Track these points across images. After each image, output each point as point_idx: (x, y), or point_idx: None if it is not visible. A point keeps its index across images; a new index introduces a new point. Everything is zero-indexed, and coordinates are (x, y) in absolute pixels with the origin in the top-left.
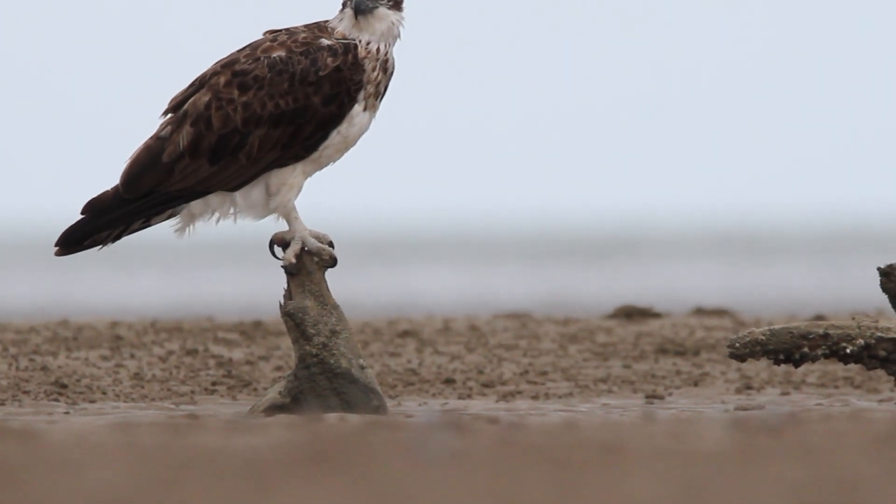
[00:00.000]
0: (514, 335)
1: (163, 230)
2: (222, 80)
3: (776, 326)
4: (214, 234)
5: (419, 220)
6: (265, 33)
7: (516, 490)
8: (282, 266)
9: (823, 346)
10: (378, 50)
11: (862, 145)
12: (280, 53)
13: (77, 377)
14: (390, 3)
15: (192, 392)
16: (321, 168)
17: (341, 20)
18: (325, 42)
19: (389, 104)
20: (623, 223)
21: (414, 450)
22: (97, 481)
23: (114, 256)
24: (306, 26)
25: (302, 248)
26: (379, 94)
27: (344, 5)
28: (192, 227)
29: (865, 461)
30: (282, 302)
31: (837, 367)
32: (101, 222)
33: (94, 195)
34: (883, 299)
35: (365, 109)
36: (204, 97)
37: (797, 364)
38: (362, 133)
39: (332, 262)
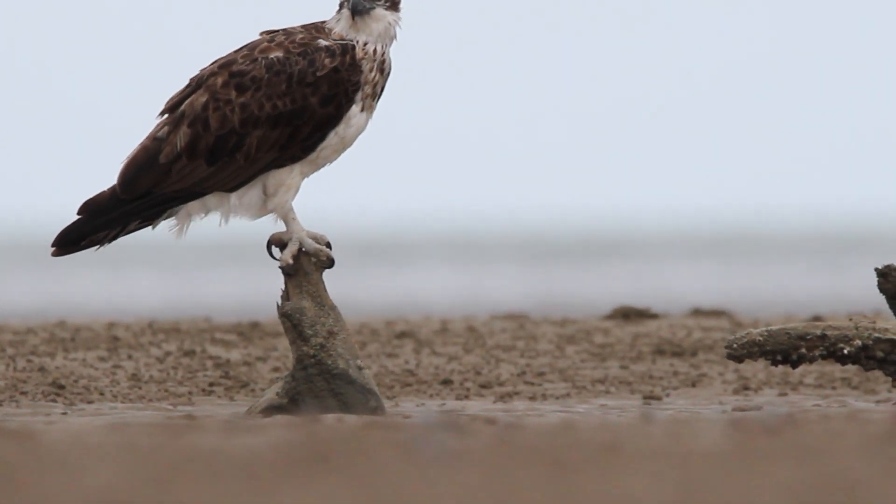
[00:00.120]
0: (511, 336)
1: (160, 231)
2: (220, 80)
3: (774, 327)
4: (212, 235)
5: (416, 221)
6: (262, 34)
7: (514, 491)
8: (279, 267)
9: (821, 347)
10: (375, 51)
11: (860, 146)
12: (278, 54)
13: (74, 378)
14: (387, 4)
15: (190, 393)
16: (318, 169)
17: (338, 21)
18: (322, 43)
19: (386, 105)
20: (620, 224)
21: (412, 450)
22: (95, 482)
23: (111, 257)
24: (303, 27)
25: (299, 249)
26: (376, 95)
27: (341, 6)
28: (189, 227)
29: (863, 462)
30: (279, 303)
31: (835, 368)
32: (98, 223)
33: (91, 195)
34: (880, 300)
35: (362, 110)
36: (201, 98)
37: (795, 365)
38: (359, 134)
39: (330, 263)
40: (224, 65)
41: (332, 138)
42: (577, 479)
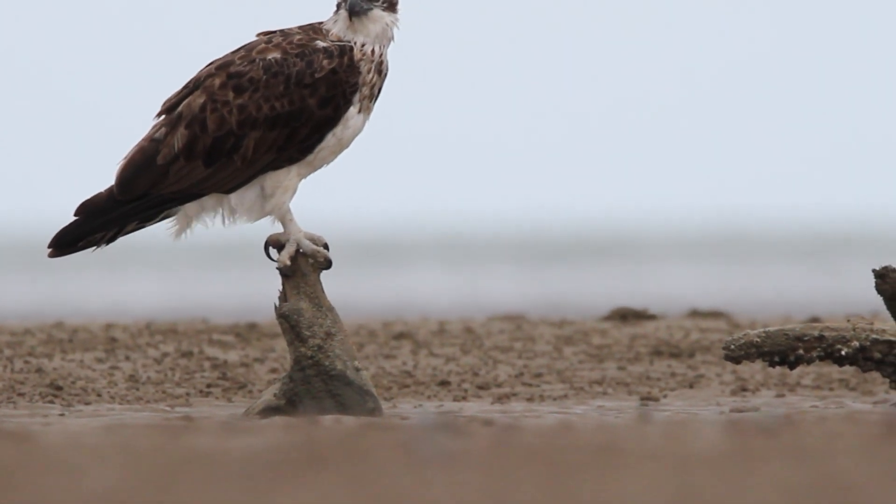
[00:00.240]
0: (509, 337)
1: (157, 232)
2: (217, 82)
3: (771, 328)
4: (209, 236)
5: (414, 222)
6: (259, 35)
7: (511, 492)
8: (277, 268)
9: (818, 349)
10: (373, 52)
11: (857, 148)
12: (275, 55)
13: (72, 379)
14: (385, 5)
15: (187, 394)
16: (316, 170)
17: (336, 22)
18: (320, 44)
19: (383, 106)
20: (618, 225)
21: (409, 452)
22: (92, 483)
23: (108, 258)
24: (301, 28)
25: (297, 251)
26: (373, 96)
27: (338, 7)
28: (187, 229)
29: (860, 463)
30: (277, 304)
31: (832, 370)
32: (95, 224)
33: (88, 197)
34: (878, 301)
35: (359, 112)
36: (199, 99)
37: (792, 366)
38: (356, 135)
39: (327, 264)
40: (222, 66)
41: (330, 140)
42: (574, 481)
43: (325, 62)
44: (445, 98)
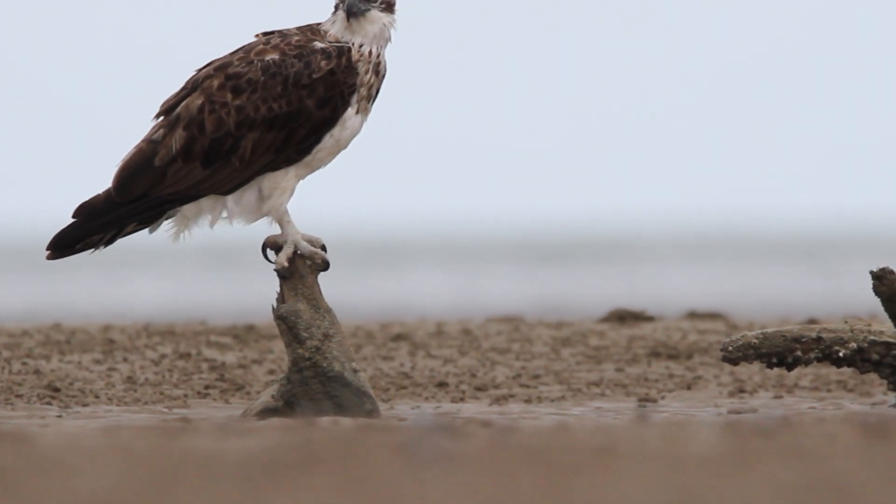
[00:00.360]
0: (506, 339)
1: (156, 234)
2: (215, 83)
3: (769, 330)
4: (207, 238)
5: (412, 224)
6: (257, 36)
7: (509, 493)
8: (274, 269)
9: (816, 350)
10: (371, 53)
11: (855, 149)
12: (273, 56)
13: (70, 381)
14: (382, 6)
15: (185, 396)
16: (313, 171)
17: (333, 23)
18: (318, 45)
19: (381, 107)
20: (616, 226)
21: (407, 453)
22: (90, 485)
23: (106, 260)
24: (299, 29)
25: (294, 252)
26: (371, 97)
27: (336, 8)
28: (186, 230)
29: (858, 464)
30: (274, 305)
31: (830, 371)
32: (94, 226)
33: (86, 199)
34: (876, 303)
35: (357, 112)
36: (197, 100)
37: (790, 367)
38: (354, 136)
39: (325, 265)
40: (220, 67)
41: (328, 141)
42: (572, 482)
43: (322, 63)
44: (443, 99)
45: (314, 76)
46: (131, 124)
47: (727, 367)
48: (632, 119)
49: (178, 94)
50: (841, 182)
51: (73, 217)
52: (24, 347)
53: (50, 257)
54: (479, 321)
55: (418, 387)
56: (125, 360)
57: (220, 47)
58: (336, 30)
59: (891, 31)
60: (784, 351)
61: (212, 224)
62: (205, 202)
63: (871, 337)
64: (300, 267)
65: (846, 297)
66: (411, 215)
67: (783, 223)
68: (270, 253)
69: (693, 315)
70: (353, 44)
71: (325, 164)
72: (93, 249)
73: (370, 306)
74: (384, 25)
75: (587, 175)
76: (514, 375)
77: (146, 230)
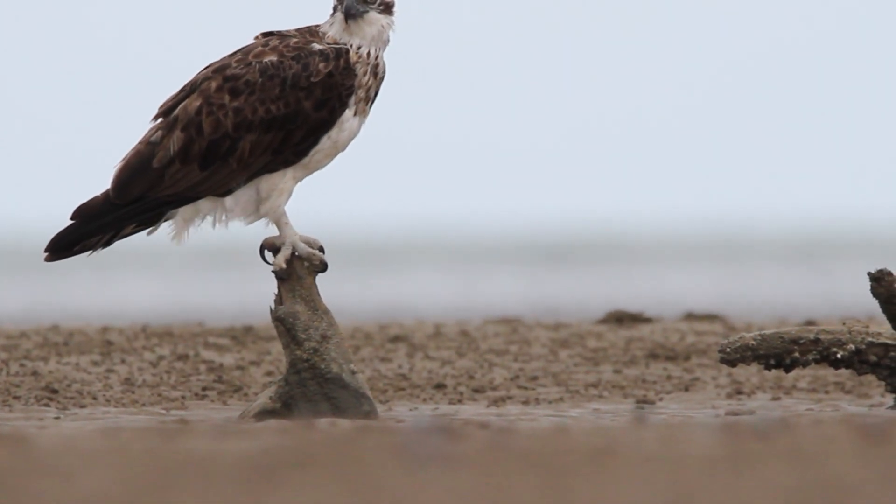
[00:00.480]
0: (504, 340)
1: (154, 235)
2: (213, 84)
3: (767, 331)
4: (205, 239)
5: (410, 225)
6: (256, 37)
7: (507, 495)
8: (272, 271)
9: (814, 351)
10: (369, 54)
11: (853, 151)
12: (272, 58)
13: (68, 382)
14: (381, 7)
15: (183, 397)
16: (311, 173)
17: (332, 24)
18: (316, 47)
19: (380, 108)
20: (614, 227)
21: (405, 455)
22: (88, 486)
23: (104, 261)
24: (297, 30)
25: (292, 253)
26: (369, 99)
27: (334, 9)
28: (184, 232)
29: (856, 466)
30: (272, 307)
31: (828, 372)
32: (92, 228)
33: (84, 200)
34: (873, 304)
35: (355, 114)
36: (195, 102)
37: (788, 369)
38: (352, 138)
39: (323, 267)
40: (218, 69)
41: (325, 143)
42: (569, 484)
43: (321, 65)
44: (442, 100)
45: (312, 78)
46: (130, 126)
47: (725, 368)
48: (631, 120)
49: (176, 95)
50: (840, 183)
51: (72, 219)
52: (21, 349)
53: (48, 259)
54: (477, 323)
55: (416, 388)
56: (123, 361)
57: (220, 48)
58: (334, 31)
59: (891, 31)
60: (782, 352)
61: (210, 225)
62: (203, 204)
63: (869, 338)
64: (298, 268)
65: (843, 297)
66: (409, 216)
67: (781, 224)
68: (268, 254)
69: (691, 316)
70: (351, 45)
71: (323, 166)
72: (91, 251)
73: (368, 308)
74: (382, 27)
75: (585, 176)
76: (512, 377)
77: (144, 232)
